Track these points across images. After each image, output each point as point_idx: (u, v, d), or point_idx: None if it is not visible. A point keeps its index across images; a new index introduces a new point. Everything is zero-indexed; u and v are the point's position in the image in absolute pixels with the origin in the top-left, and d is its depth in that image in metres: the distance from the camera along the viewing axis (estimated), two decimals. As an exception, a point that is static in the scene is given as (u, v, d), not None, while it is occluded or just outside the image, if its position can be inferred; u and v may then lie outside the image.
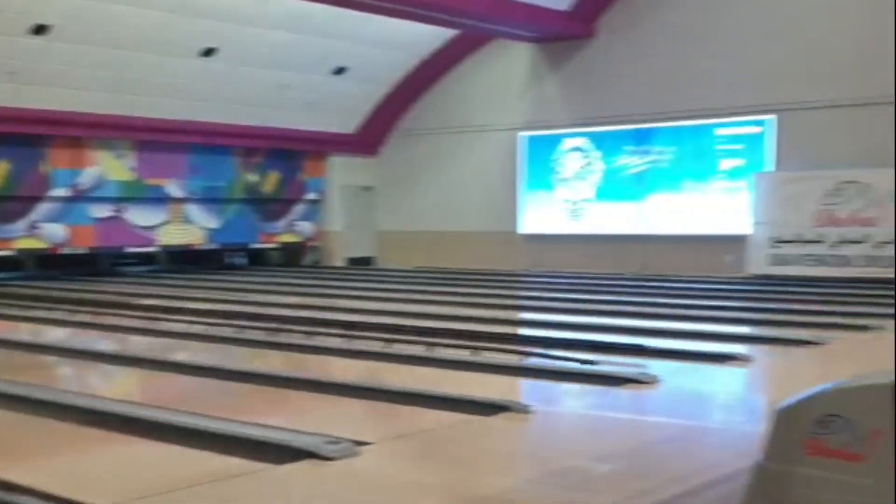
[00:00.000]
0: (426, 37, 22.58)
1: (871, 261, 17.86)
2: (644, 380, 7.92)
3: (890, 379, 3.55)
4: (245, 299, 15.77)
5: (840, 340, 10.35)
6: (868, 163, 17.95)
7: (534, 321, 13.64)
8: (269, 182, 24.52)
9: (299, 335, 10.73)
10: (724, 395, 8.28)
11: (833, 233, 18.27)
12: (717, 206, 20.37)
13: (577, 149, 22.44)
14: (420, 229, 24.92)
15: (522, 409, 6.70)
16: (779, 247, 18.90)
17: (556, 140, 22.74)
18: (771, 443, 3.90)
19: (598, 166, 22.12)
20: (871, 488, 3.58)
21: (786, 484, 3.79)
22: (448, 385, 7.63)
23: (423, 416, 6.77)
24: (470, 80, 23.99)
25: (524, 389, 8.17)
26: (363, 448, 5.57)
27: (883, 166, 17.61)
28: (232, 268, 23.87)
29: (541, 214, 22.96)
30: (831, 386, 3.79)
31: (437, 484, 5.07)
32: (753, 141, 19.97)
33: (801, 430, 3.74)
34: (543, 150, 22.91)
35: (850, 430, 3.61)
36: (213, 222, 23.56)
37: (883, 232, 17.66)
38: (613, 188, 21.93)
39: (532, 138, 23.06)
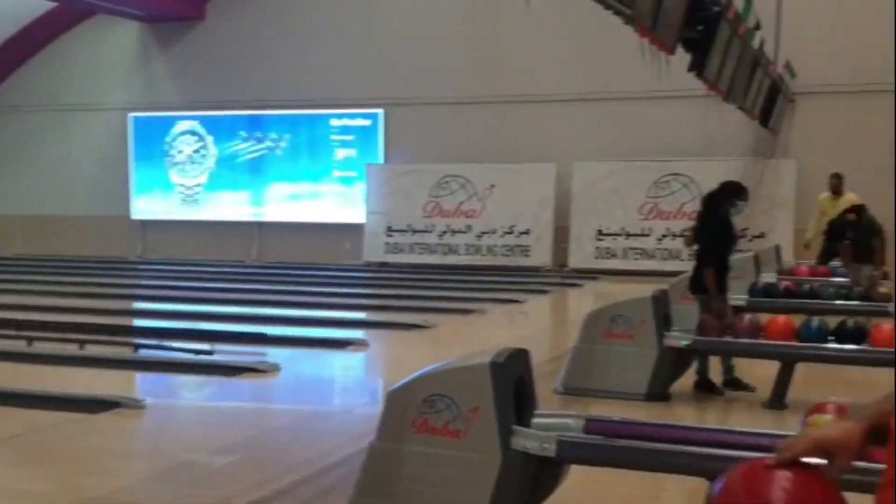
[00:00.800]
0: (21, 6, 20.82)
1: (474, 249, 19.26)
2: (264, 368, 7.93)
3: (486, 359, 3.86)
4: None
5: (448, 323, 11.05)
6: (469, 158, 19.29)
7: (148, 311, 13.18)
8: None
9: None
10: (342, 380, 8.53)
11: (441, 223, 19.45)
12: (332, 195, 20.85)
13: (191, 132, 21.91)
14: (17, 213, 22.99)
15: (135, 405, 6.43)
16: (392, 236, 19.80)
17: (168, 122, 22.00)
18: (382, 423, 4.09)
19: (212, 151, 21.77)
20: (471, 460, 3.88)
21: (396, 461, 3.99)
22: (52, 382, 7.13)
23: (23, 417, 6.27)
24: (73, 56, 22.39)
25: (137, 383, 7.87)
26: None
27: (483, 161, 19.00)
28: None
29: (154, 199, 22.14)
30: (435, 368, 4.05)
31: (40, 491, 4.73)
32: (365, 133, 20.69)
33: (409, 410, 3.96)
34: (155, 133, 22.07)
35: (452, 408, 3.88)
36: None
37: (482, 223, 19.08)
38: (228, 174, 21.68)
39: (142, 119, 22.13)
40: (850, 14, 16.82)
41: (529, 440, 3.82)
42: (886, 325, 6.78)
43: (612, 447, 3.84)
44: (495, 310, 12.75)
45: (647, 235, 17.73)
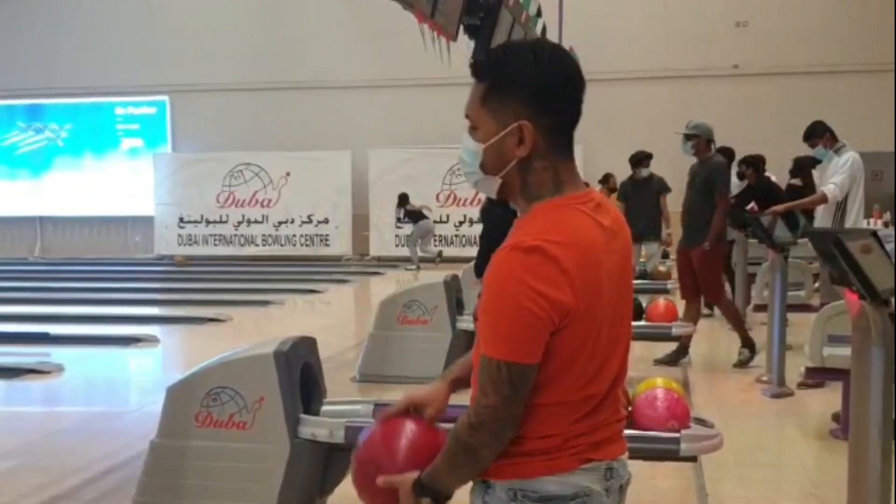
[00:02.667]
0: None
1: (272, 240, 19.02)
2: (46, 369, 7.60)
3: (269, 349, 3.84)
4: None
5: (245, 316, 10.88)
6: (262, 146, 18.98)
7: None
8: None
9: None
10: (130, 378, 8.25)
11: (236, 213, 19.08)
12: (119, 186, 19.98)
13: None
14: None
15: None
16: (184, 227, 19.24)
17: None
18: (164, 420, 3.99)
19: (-11, 143, 20.49)
20: (258, 452, 3.85)
21: (179, 458, 3.90)
22: None
23: None
24: None
25: None
26: None
27: (276, 149, 18.75)
28: None
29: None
30: (218, 360, 3.99)
31: None
32: (151, 121, 20.00)
33: (192, 404, 3.88)
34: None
35: (237, 399, 3.83)
36: None
37: (279, 213, 18.86)
38: (7, 167, 20.44)
39: None
40: (628, 1, 17.77)
41: (318, 428, 3.83)
42: (662, 302, 7.20)
43: (398, 430, 3.89)
44: (295, 300, 12.67)
45: (445, 222, 18.03)
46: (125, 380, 8.19)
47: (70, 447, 5.56)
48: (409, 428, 1.96)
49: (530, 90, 1.73)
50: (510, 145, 1.75)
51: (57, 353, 8.26)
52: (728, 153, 9.50)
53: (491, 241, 7.64)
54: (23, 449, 5.46)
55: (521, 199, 1.80)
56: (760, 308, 8.37)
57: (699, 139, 7.55)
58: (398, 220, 17.32)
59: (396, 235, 18.34)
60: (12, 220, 20.35)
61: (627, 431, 3.59)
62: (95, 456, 5.22)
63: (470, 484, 1.85)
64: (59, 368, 7.64)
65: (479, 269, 7.74)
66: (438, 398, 2.01)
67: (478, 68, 1.79)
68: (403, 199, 16.87)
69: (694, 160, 7.72)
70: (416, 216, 16.77)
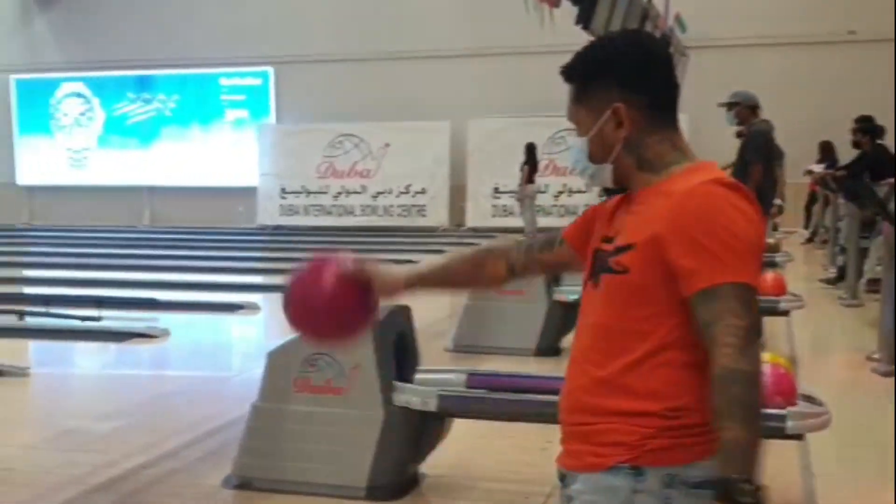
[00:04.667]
0: None
1: (370, 210, 19.20)
2: (153, 333, 7.83)
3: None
4: None
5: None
6: (362, 117, 19.14)
7: (35, 279, 12.77)
8: None
9: None
10: (232, 344, 8.46)
11: (335, 184, 19.31)
12: (224, 156, 20.44)
13: (76, 94, 21.21)
14: None
15: (18, 373, 6.27)
16: (286, 198, 19.57)
17: (53, 84, 21.28)
18: (264, 384, 4.08)
19: (99, 114, 21.12)
20: (353, 417, 3.91)
21: (279, 421, 3.99)
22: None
23: None
24: (-51, 17, 21.48)
25: (21, 351, 7.61)
26: None
27: (376, 120, 18.89)
28: None
29: (40, 164, 21.41)
30: (317, 326, 4.04)
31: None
32: (256, 92, 20.33)
33: (291, 370, 3.97)
34: (39, 96, 21.33)
35: (333, 366, 3.89)
36: None
37: (377, 183, 19.02)
38: (117, 137, 21.09)
39: (25, 82, 21.34)
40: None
41: (411, 395, 3.86)
42: (770, 275, 6.96)
43: (493, 400, 3.90)
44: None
45: (544, 192, 17.85)
46: (228, 345, 8.41)
47: (175, 409, 5.73)
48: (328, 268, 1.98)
49: (615, 76, 1.81)
50: (610, 130, 1.81)
51: (164, 319, 8.49)
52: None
53: None
54: (130, 410, 5.65)
55: (646, 173, 1.81)
56: (874, 283, 8.08)
57: (740, 107, 7.33)
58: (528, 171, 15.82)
59: (493, 206, 18.29)
60: (122, 189, 21.00)
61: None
62: (199, 418, 5.36)
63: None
64: (166, 333, 7.86)
65: None
66: (389, 281, 2.03)
67: (566, 73, 1.88)
68: (532, 150, 15.73)
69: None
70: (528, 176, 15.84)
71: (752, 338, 1.61)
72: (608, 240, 1.80)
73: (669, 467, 1.65)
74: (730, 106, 7.38)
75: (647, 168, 1.80)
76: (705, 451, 1.63)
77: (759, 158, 7.41)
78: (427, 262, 2.12)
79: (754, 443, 1.56)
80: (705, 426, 1.62)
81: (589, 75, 1.83)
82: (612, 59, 1.82)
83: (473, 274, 2.09)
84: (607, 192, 8.16)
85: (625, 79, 1.80)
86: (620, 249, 1.74)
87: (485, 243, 2.10)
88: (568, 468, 1.77)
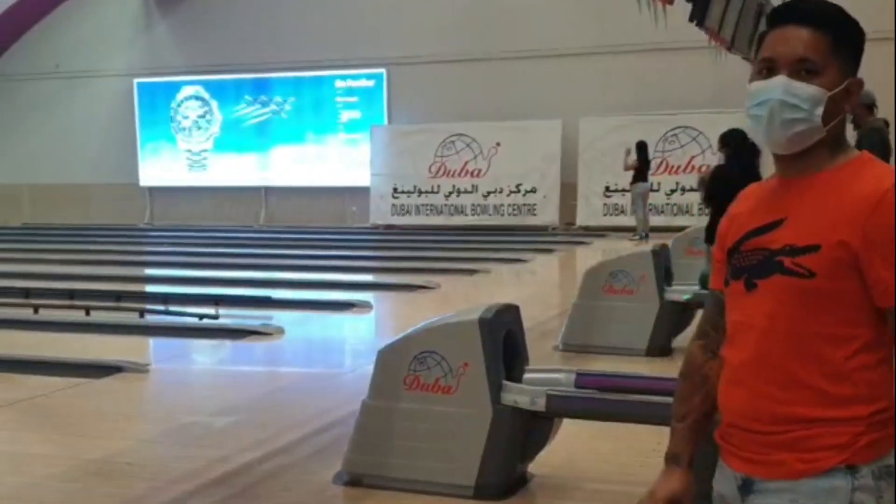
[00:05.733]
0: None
1: (481, 209, 19.21)
2: (268, 331, 8.00)
3: (474, 316, 3.87)
4: None
5: (452, 284, 11.06)
6: (473, 116, 19.17)
7: (156, 277, 13.24)
8: None
9: None
10: (345, 342, 8.57)
11: (447, 184, 19.40)
12: (338, 157, 20.77)
13: (196, 97, 21.86)
14: (25, 182, 23.04)
15: (138, 369, 6.49)
16: (398, 197, 19.76)
17: (173, 87, 21.97)
18: (374, 382, 4.11)
19: (218, 116, 21.73)
20: (462, 416, 3.90)
21: (389, 418, 4.02)
22: (59, 348, 7.20)
23: (27, 382, 6.34)
24: (74, 23, 22.29)
25: (142, 348, 7.90)
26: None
27: (487, 119, 18.90)
28: None
29: (162, 166, 22.16)
30: (425, 325, 4.06)
31: (41, 454, 4.79)
32: (369, 94, 20.58)
33: (401, 367, 3.99)
34: (160, 98, 22.05)
35: (443, 364, 3.90)
36: None
37: (488, 182, 19.02)
38: (235, 138, 21.64)
39: (147, 85, 22.09)
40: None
41: (519, 395, 3.84)
42: None
43: (602, 400, 3.85)
44: (501, 269, 12.74)
45: (656, 190, 17.55)
46: (340, 343, 8.53)
47: (288, 405, 5.83)
48: None
49: (859, 50, 1.76)
50: (842, 98, 1.72)
51: (278, 317, 8.66)
52: None
53: (721, 204, 7.38)
54: (245, 405, 5.77)
55: (827, 152, 1.73)
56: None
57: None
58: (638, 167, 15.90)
59: (605, 205, 18.09)
60: (240, 190, 21.56)
61: None
62: (311, 414, 5.45)
63: None
64: (280, 331, 8.02)
65: (710, 234, 7.52)
66: (687, 488, 1.87)
67: (820, 14, 1.73)
68: (643, 148, 15.90)
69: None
70: (640, 174, 15.86)
71: None
72: (762, 230, 1.71)
73: (879, 460, 1.65)
74: None
75: (833, 148, 1.73)
76: (894, 437, 1.66)
77: (877, 156, 7.11)
78: (677, 437, 1.92)
79: None
80: (892, 413, 1.65)
81: (846, 34, 1.73)
82: (861, 35, 1.76)
83: (707, 392, 1.86)
84: (721, 166, 7.79)
85: (858, 56, 1.75)
86: (801, 250, 1.65)
87: (682, 365, 1.92)
88: (765, 476, 1.69)
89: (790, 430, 1.65)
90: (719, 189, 7.65)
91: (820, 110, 1.68)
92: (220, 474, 4.40)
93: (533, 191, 18.70)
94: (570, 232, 17.75)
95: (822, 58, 1.70)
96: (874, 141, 7.25)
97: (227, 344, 7.83)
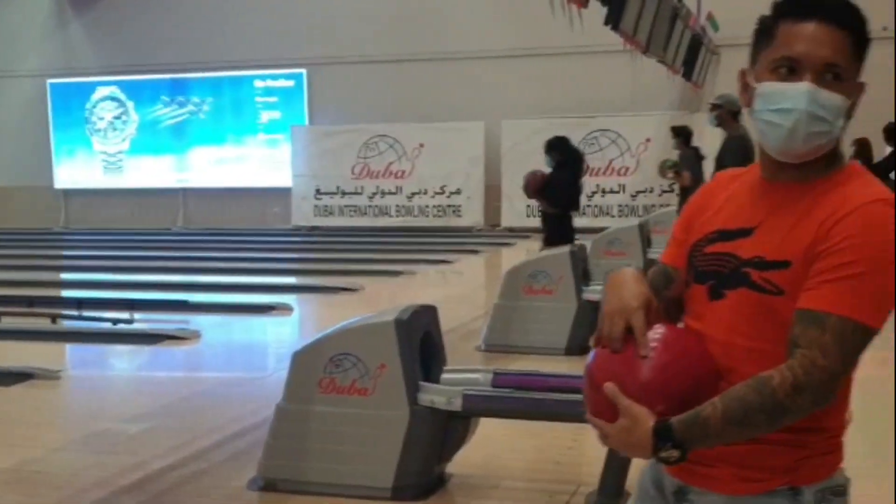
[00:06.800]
0: None
1: (406, 211, 19.18)
2: (184, 335, 7.86)
3: (390, 317, 3.85)
4: None
5: (376, 286, 11.01)
6: (396, 118, 19.13)
7: (70, 281, 12.92)
8: None
9: None
10: (263, 345, 8.47)
11: (370, 185, 19.32)
12: (258, 158, 20.53)
13: (111, 98, 21.42)
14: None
15: (49, 376, 6.32)
16: (320, 199, 19.62)
17: (88, 88, 21.43)
18: (289, 385, 4.06)
19: (134, 117, 21.32)
20: (379, 418, 3.88)
21: (303, 422, 3.97)
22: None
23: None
24: (-18, 22, 21.73)
25: (54, 354, 7.68)
26: None
27: (410, 121, 18.89)
28: None
29: (77, 168, 21.61)
30: (341, 327, 4.03)
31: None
32: (289, 94, 20.40)
33: (316, 370, 3.94)
34: (74, 99, 21.48)
35: (359, 366, 3.87)
36: None
37: (412, 184, 18.98)
38: (151, 140, 21.22)
39: (60, 86, 21.51)
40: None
41: (436, 395, 3.83)
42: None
43: (518, 399, 3.85)
44: (426, 270, 12.74)
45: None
46: (259, 346, 8.42)
47: (204, 410, 5.74)
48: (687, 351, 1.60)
49: (865, 53, 1.62)
50: (853, 106, 1.61)
51: (196, 320, 8.54)
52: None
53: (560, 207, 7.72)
54: (160, 411, 5.67)
55: (823, 164, 1.61)
56: None
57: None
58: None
59: (528, 206, 18.18)
60: (158, 192, 21.16)
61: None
62: (228, 419, 5.37)
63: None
64: (197, 335, 7.89)
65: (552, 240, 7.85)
66: (650, 299, 1.64)
67: (845, 13, 1.59)
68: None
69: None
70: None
71: (823, 381, 1.48)
72: (732, 234, 1.62)
73: (822, 482, 1.61)
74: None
75: (832, 159, 1.61)
76: (842, 456, 1.64)
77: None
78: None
79: (711, 439, 1.52)
80: (841, 435, 1.63)
81: (865, 35, 1.61)
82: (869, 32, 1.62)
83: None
84: (555, 169, 8.23)
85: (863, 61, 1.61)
86: (770, 264, 1.56)
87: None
88: (702, 488, 1.64)
89: (734, 446, 1.58)
90: (553, 194, 8.03)
91: (842, 122, 1.58)
92: (133, 481, 4.31)
93: (457, 192, 18.74)
94: (494, 233, 17.84)
95: (848, 62, 1.58)
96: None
97: (143, 349, 7.67)
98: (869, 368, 5.89)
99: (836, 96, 1.56)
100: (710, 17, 15.40)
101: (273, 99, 20.35)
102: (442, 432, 3.89)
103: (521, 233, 17.31)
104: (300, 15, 19.57)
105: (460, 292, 11.04)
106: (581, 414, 1.72)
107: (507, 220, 18.32)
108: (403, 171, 19.12)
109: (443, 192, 18.85)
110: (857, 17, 1.60)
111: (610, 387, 1.55)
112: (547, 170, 9.36)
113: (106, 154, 21.48)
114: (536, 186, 9.07)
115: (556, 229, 8.90)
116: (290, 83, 20.21)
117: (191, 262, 13.81)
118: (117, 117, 21.34)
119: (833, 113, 1.56)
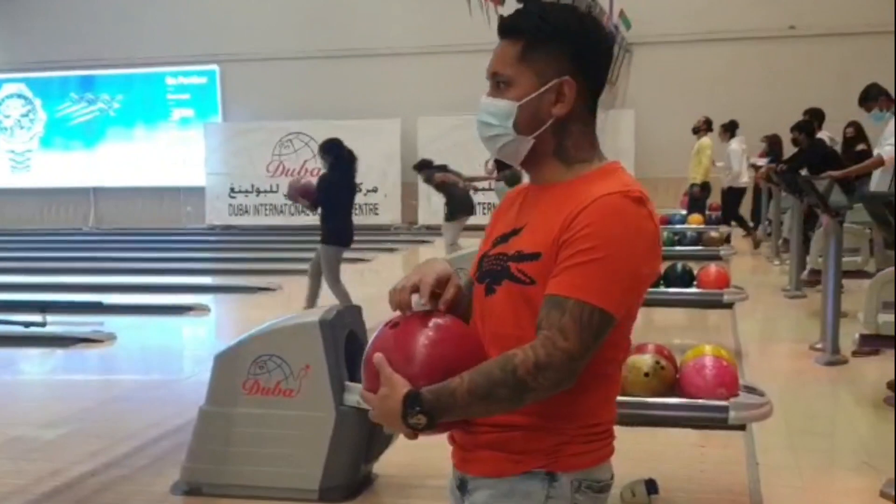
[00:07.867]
0: None
1: (321, 208, 19.05)
2: (99, 338, 7.72)
3: (315, 317, 3.84)
4: None
5: (294, 285, 10.92)
6: (312, 115, 18.99)
7: (-23, 285, 12.51)
8: None
9: None
10: (181, 347, 8.35)
11: (286, 183, 19.11)
12: (171, 156, 20.19)
13: (18, 95, 20.83)
14: None
15: (-41, 382, 6.14)
16: (235, 197, 19.38)
17: (-8, 86, 20.92)
18: (212, 387, 4.02)
19: (41, 115, 20.78)
20: (305, 419, 3.87)
21: (227, 425, 3.94)
22: None
23: None
24: None
25: (-37, 360, 7.48)
26: None
27: (326, 118, 18.76)
28: None
29: (-18, 167, 21.01)
30: (264, 328, 4.00)
31: None
32: (202, 91, 20.13)
33: (239, 372, 3.91)
34: (-22, 97, 20.96)
35: (283, 367, 3.85)
36: None
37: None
38: (60, 138, 20.73)
39: (-37, 83, 20.91)
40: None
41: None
42: (713, 268, 7.03)
43: (443, 398, 3.88)
44: (344, 269, 12.63)
45: (492, 189, 17.84)
46: (177, 348, 8.30)
47: (122, 415, 5.64)
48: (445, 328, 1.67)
49: (576, 47, 1.66)
50: (548, 103, 1.66)
51: (110, 322, 8.37)
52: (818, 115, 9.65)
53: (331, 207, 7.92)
54: (76, 416, 5.55)
55: (557, 161, 1.69)
56: (815, 274, 8.21)
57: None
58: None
59: (445, 204, 18.26)
60: (67, 191, 20.66)
61: (676, 399, 3.52)
62: (147, 423, 5.28)
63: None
64: (112, 337, 7.75)
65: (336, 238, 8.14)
66: (450, 275, 1.76)
67: (512, 25, 1.69)
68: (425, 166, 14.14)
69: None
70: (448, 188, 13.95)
71: (562, 361, 1.53)
72: (506, 236, 1.70)
73: (580, 472, 1.66)
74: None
75: (562, 157, 1.68)
76: (608, 453, 1.70)
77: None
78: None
79: (458, 411, 1.57)
80: (609, 429, 1.69)
81: (544, 35, 1.66)
82: (571, 29, 1.66)
83: None
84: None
85: (579, 53, 1.66)
86: (526, 256, 1.63)
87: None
88: (474, 474, 1.71)
89: (492, 432, 1.65)
90: (323, 196, 8.28)
91: (510, 122, 1.67)
92: (51, 489, 4.22)
93: (374, 190, 18.71)
94: (412, 231, 17.85)
95: (513, 68, 1.67)
96: None
97: (57, 352, 7.51)
98: (786, 361, 6.08)
99: (500, 102, 1.69)
100: (622, 15, 15.66)
101: (186, 96, 20.04)
102: (368, 433, 3.89)
103: (438, 230, 17.34)
104: (213, 11, 19.31)
105: (379, 291, 10.96)
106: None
107: (425, 217, 18.35)
108: (319, 169, 18.81)
109: (359, 190, 18.73)
110: (528, 24, 1.68)
111: (378, 357, 1.62)
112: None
113: (13, 153, 20.89)
114: (301, 191, 9.33)
115: (332, 230, 9.13)
116: (203, 80, 19.92)
117: (104, 263, 13.52)
118: (24, 115, 20.77)
119: (497, 116, 1.70)
